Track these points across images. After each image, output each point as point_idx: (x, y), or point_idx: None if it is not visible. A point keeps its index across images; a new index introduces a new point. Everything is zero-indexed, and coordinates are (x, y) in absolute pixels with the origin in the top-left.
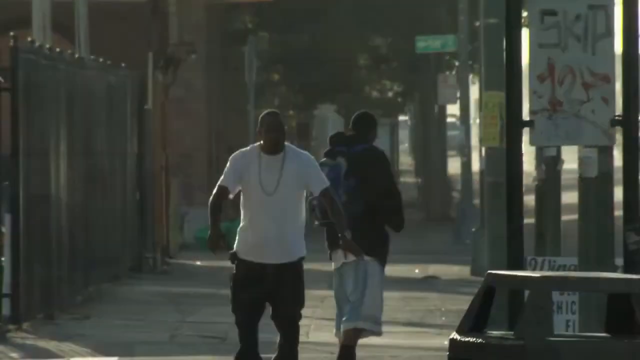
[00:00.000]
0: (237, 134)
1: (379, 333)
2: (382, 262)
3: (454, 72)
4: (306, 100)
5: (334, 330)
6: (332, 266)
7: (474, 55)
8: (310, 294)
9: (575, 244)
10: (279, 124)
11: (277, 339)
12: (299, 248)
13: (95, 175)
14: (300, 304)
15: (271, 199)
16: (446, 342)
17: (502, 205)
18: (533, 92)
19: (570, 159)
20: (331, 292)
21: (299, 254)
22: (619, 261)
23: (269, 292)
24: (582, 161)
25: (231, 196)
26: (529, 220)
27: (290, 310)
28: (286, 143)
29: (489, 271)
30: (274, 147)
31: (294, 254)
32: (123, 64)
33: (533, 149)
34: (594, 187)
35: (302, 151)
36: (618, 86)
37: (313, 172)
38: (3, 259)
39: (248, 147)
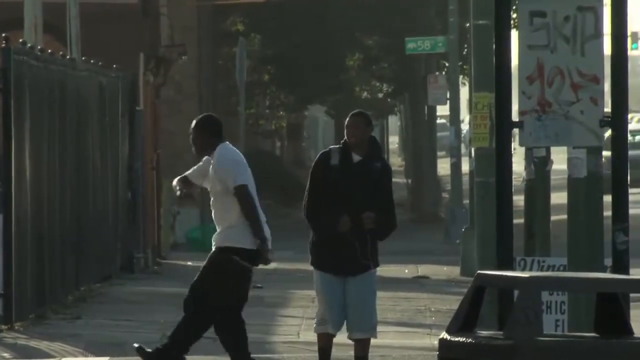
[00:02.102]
0: (228, 134)
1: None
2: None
3: (444, 73)
4: (297, 101)
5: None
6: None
7: (464, 57)
8: (300, 294)
9: (564, 244)
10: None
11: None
12: None
13: (87, 175)
14: None
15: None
16: (436, 342)
17: (492, 206)
18: (522, 93)
19: (559, 159)
20: None
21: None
22: (608, 261)
23: None
24: (570, 162)
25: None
26: (518, 221)
27: None
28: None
29: (479, 271)
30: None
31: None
32: (114, 65)
33: (522, 149)
34: (583, 187)
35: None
36: (607, 87)
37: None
38: None
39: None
